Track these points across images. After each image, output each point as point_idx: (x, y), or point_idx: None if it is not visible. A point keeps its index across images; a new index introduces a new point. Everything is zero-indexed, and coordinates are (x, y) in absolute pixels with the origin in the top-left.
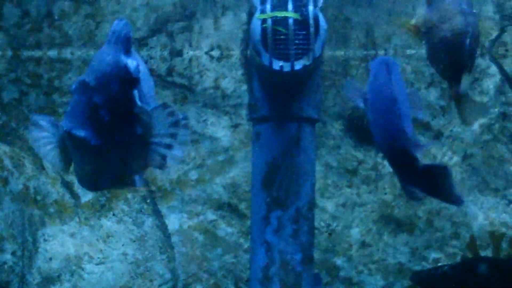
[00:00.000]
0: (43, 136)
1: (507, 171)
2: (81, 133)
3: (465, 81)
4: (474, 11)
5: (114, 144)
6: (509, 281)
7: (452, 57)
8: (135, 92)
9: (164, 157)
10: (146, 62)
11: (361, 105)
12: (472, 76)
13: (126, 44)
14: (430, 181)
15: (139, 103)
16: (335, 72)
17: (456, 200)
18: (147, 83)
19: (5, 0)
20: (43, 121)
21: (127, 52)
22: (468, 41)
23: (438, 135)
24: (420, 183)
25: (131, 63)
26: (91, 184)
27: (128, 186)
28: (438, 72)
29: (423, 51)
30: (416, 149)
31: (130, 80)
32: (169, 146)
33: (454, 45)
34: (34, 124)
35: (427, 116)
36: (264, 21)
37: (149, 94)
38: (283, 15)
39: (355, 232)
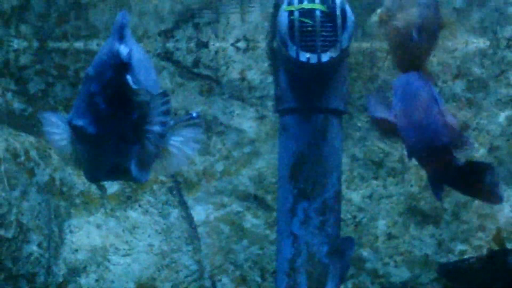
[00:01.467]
0: (57, 132)
1: None
2: (79, 122)
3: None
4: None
5: (110, 132)
6: None
7: (401, 48)
8: (128, 77)
9: (157, 147)
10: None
11: (391, 118)
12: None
13: (120, 31)
14: (472, 179)
15: (134, 86)
16: (362, 64)
17: (496, 199)
18: (145, 71)
19: None
20: (53, 117)
21: (121, 39)
22: (416, 33)
23: (464, 128)
24: (458, 181)
25: (123, 49)
26: (91, 174)
27: (125, 178)
28: (393, 62)
29: (449, 43)
30: (464, 143)
31: (121, 65)
32: (162, 136)
33: (403, 35)
34: (46, 120)
35: (453, 108)
36: (291, 13)
37: (148, 83)
38: (310, 7)
39: (381, 224)
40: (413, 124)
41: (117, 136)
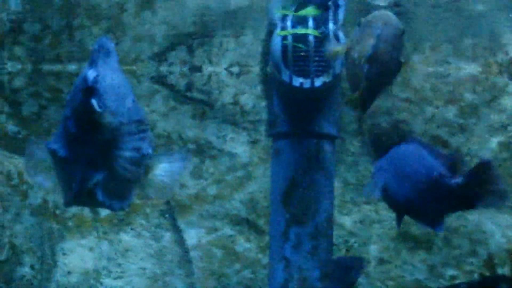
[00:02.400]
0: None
1: None
2: (52, 145)
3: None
4: (397, 37)
5: (79, 156)
6: None
7: (352, 79)
8: (93, 100)
9: (133, 173)
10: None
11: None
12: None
13: (92, 56)
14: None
15: (98, 109)
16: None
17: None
18: (119, 97)
19: (25, 14)
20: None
21: (90, 64)
22: (367, 65)
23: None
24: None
25: (90, 73)
26: (64, 198)
27: (98, 204)
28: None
29: (441, 69)
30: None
31: (87, 89)
32: (134, 162)
33: (356, 67)
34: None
35: (445, 133)
36: (284, 37)
37: (121, 108)
38: (303, 32)
39: (373, 249)
40: (410, 186)
41: (85, 160)
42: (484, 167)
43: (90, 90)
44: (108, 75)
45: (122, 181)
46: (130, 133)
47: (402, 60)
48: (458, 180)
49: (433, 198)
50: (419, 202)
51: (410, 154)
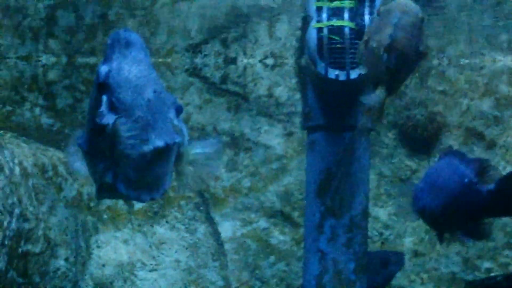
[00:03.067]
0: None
1: None
2: (79, 139)
3: (378, 94)
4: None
5: (97, 151)
6: None
7: (372, 69)
8: (104, 97)
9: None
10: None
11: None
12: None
13: (106, 50)
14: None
15: (102, 109)
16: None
17: None
18: (135, 92)
19: (58, 6)
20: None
21: (105, 58)
22: (386, 55)
23: (491, 145)
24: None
25: (102, 69)
26: (95, 192)
27: (121, 196)
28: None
29: (476, 61)
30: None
31: (99, 85)
32: (131, 158)
33: (375, 56)
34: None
35: (481, 125)
36: (320, 29)
37: (137, 102)
38: (339, 24)
39: (408, 241)
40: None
41: (104, 154)
42: None
43: (102, 85)
44: (125, 68)
45: (146, 172)
46: (151, 124)
47: (421, 49)
48: (490, 186)
49: (467, 206)
50: (454, 213)
51: (442, 167)
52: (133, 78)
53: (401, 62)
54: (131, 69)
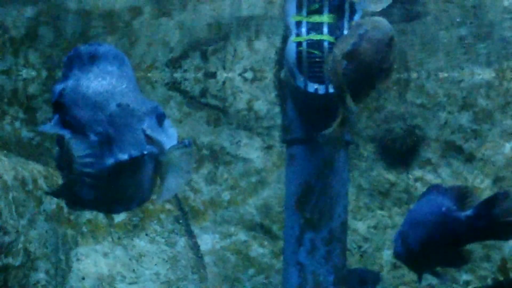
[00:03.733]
0: None
1: None
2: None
3: (347, 100)
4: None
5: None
6: None
7: (331, 75)
8: (55, 116)
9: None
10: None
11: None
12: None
13: (63, 68)
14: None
15: (49, 126)
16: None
17: None
18: (90, 108)
19: (40, 21)
20: None
21: (62, 76)
22: (345, 62)
23: (470, 158)
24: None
25: (56, 87)
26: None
27: (97, 208)
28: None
29: (455, 74)
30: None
31: (53, 104)
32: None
33: (335, 63)
34: None
35: (460, 139)
36: (299, 43)
37: (94, 118)
38: (318, 38)
39: (386, 254)
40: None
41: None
42: (497, 199)
43: (56, 104)
44: (83, 85)
45: (113, 185)
46: (113, 138)
47: (385, 66)
48: (468, 212)
49: (447, 236)
50: (434, 245)
51: (421, 205)
52: (92, 94)
53: (361, 72)
54: (90, 85)
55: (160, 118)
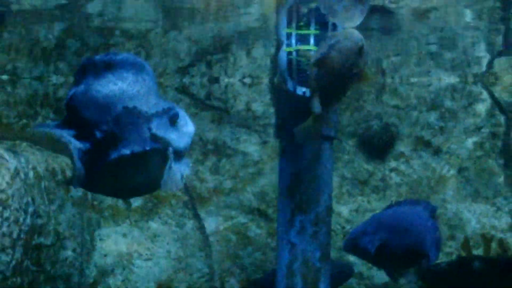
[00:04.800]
0: None
1: (496, 182)
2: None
3: (314, 102)
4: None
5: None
6: (500, 277)
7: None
8: (66, 118)
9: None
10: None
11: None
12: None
13: (75, 75)
14: None
15: (45, 126)
16: (350, 97)
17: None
18: (100, 109)
19: (67, 34)
20: None
21: (74, 83)
22: (316, 69)
23: (437, 151)
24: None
25: (69, 92)
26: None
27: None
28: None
29: (425, 79)
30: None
31: (65, 106)
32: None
33: (309, 70)
34: None
35: (428, 134)
36: (289, 53)
37: (106, 114)
38: (305, 48)
39: None
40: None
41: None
42: None
43: (66, 106)
44: (93, 90)
45: (123, 174)
46: (118, 136)
47: (355, 72)
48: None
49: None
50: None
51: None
52: (100, 97)
53: (332, 78)
54: (100, 89)
55: (172, 119)
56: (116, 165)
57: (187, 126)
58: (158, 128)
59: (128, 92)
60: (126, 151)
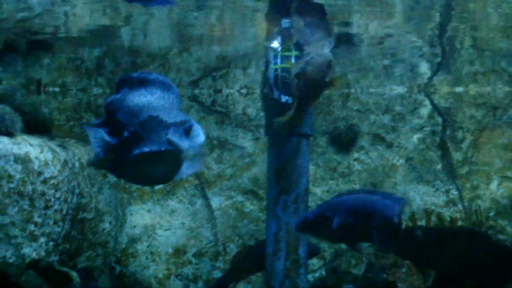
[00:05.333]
0: None
1: (435, 169)
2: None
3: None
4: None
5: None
6: (437, 242)
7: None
8: (102, 117)
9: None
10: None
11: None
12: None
13: (116, 86)
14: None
15: (91, 127)
16: (322, 104)
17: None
18: (133, 113)
19: (105, 56)
20: None
21: (114, 92)
22: (296, 81)
23: (390, 145)
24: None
25: (109, 99)
26: None
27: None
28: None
29: (380, 90)
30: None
31: (104, 108)
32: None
33: (291, 82)
34: None
35: (383, 132)
36: (276, 70)
37: (133, 118)
38: (288, 66)
39: None
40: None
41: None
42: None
43: (105, 109)
44: (128, 98)
45: (143, 167)
46: (141, 137)
47: (327, 80)
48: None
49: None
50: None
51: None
52: (132, 105)
53: (309, 87)
54: (133, 99)
55: (187, 130)
56: (137, 159)
57: (199, 137)
58: (174, 135)
59: (154, 104)
60: (146, 149)
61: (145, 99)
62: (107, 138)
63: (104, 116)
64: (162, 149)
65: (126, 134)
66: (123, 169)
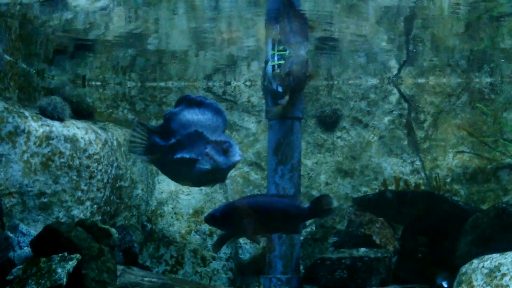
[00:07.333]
0: None
1: (402, 145)
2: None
3: (285, 98)
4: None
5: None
6: (404, 203)
7: (282, 86)
8: (159, 124)
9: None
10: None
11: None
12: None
13: (176, 102)
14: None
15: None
16: (311, 93)
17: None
18: (183, 124)
19: (137, 55)
20: None
21: (174, 106)
22: (287, 78)
23: (366, 126)
24: None
25: (168, 111)
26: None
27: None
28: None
29: (358, 81)
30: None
31: (164, 118)
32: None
33: (282, 79)
34: None
35: (361, 116)
36: (273, 66)
37: (182, 130)
38: (283, 63)
39: (322, 177)
40: None
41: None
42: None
43: (164, 119)
44: (183, 114)
45: (181, 169)
46: (184, 146)
47: (307, 74)
48: (307, 205)
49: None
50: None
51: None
52: (184, 120)
53: (296, 82)
54: (187, 115)
55: (224, 149)
56: (177, 162)
57: (234, 157)
58: (211, 150)
59: (202, 123)
60: (186, 156)
61: (196, 117)
62: (158, 141)
63: (162, 123)
64: (199, 158)
65: (173, 140)
66: (165, 167)
